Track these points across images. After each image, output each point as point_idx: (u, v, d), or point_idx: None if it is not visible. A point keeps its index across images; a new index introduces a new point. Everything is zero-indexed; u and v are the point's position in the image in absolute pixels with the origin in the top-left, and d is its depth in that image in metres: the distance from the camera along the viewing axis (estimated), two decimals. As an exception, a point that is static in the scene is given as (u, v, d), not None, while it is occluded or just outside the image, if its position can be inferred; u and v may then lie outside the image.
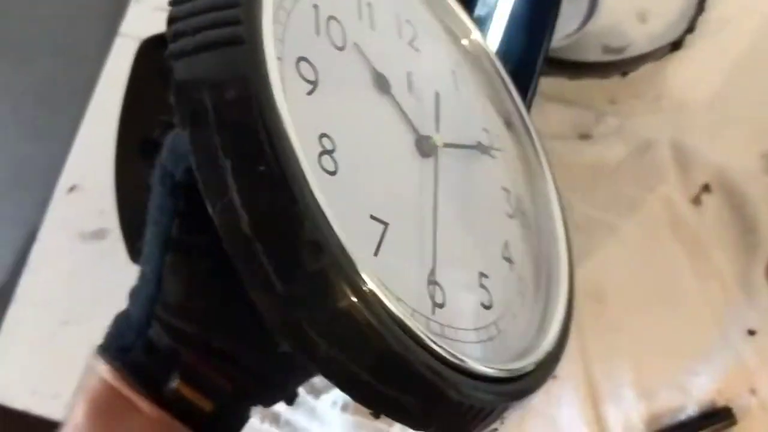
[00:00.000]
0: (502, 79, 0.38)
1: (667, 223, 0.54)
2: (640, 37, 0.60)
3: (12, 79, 0.66)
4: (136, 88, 0.46)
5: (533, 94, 0.44)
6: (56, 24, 0.66)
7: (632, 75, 0.59)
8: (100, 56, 0.63)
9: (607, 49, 0.60)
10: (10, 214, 0.61)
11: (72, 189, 0.59)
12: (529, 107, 0.42)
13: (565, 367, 0.52)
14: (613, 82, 0.59)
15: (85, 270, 0.57)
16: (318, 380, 0.47)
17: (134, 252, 0.45)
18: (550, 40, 0.47)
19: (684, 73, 0.59)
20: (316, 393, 0.49)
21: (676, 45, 0.58)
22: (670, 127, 0.57)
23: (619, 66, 0.58)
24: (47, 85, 0.65)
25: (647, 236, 0.54)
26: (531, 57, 0.46)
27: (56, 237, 0.58)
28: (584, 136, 0.56)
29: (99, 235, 0.58)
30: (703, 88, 0.58)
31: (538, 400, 0.51)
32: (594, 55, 0.59)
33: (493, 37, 0.45)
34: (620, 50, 0.60)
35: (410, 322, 0.22)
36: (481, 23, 0.45)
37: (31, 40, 0.67)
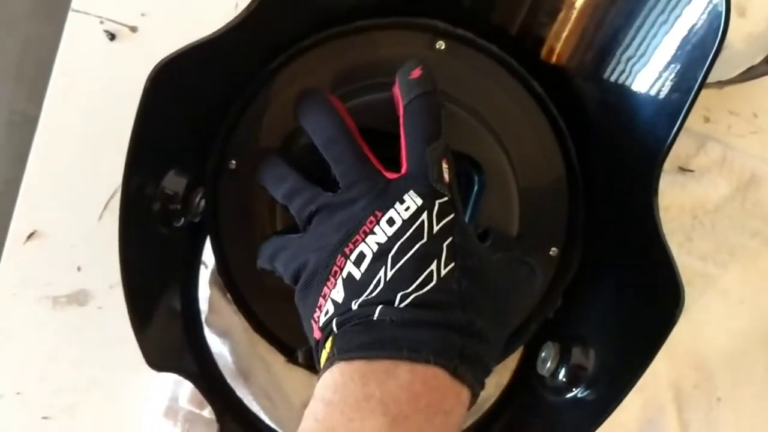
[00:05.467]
0: None
1: (774, 275, 0.47)
2: (736, 36, 0.50)
3: None
4: (150, 123, 0.34)
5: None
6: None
7: (729, 88, 0.49)
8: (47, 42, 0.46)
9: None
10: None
11: (31, 236, 0.44)
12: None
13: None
14: (708, 95, 0.50)
15: (63, 347, 0.44)
16: None
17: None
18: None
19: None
20: None
21: (782, 53, 0.49)
22: (776, 156, 0.48)
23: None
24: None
25: (752, 290, 0.47)
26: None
27: (16, 305, 0.44)
28: (684, 169, 0.47)
29: (78, 299, 0.44)
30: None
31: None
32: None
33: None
34: (715, 52, 0.50)
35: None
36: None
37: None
